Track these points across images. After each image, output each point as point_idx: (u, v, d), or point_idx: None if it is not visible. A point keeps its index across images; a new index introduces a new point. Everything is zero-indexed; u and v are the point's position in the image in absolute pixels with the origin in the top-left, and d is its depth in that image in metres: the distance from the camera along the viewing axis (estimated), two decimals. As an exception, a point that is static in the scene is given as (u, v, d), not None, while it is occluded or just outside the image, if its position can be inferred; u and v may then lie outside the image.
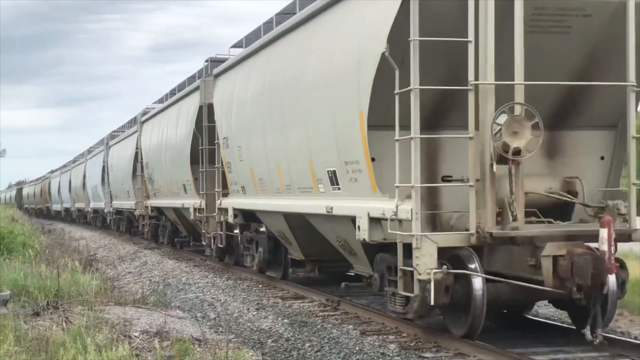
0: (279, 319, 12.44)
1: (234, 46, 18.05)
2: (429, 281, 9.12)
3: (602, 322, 9.22)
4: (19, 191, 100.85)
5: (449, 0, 9.23)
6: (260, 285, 16.15)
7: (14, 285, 12.95)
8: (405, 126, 9.32)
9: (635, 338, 10.66)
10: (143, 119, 28.10)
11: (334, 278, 15.32)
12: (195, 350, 9.37)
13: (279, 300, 14.18)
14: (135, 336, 10.18)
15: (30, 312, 11.35)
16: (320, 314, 12.67)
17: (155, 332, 10.50)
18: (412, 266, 9.24)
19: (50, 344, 9.02)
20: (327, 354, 9.94)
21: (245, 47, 16.58)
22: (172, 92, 24.66)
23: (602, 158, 10.80)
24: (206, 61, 19.91)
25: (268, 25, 15.49)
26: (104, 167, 37.88)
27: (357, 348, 9.94)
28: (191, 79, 21.93)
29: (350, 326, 11.33)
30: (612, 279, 9.45)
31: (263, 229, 16.58)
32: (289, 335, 11.20)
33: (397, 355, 9.40)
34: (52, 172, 69.76)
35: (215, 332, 11.69)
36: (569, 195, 10.24)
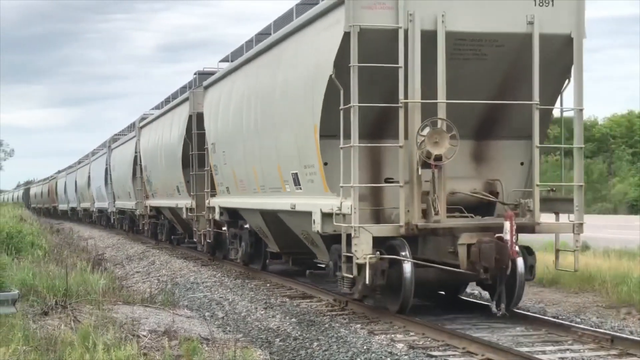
0: (287, 318, 12.54)
1: (222, 60, 20.05)
2: (365, 265, 11.03)
3: (505, 298, 11.13)
4: (26, 191, 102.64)
5: (383, 32, 11.15)
6: (268, 285, 16.52)
7: (22, 285, 12.90)
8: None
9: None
10: (141, 124, 30.09)
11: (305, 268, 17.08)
12: (204, 350, 9.41)
13: (287, 299, 14.42)
14: (144, 335, 10.24)
15: (38, 312, 11.34)
16: (328, 313, 12.79)
17: (164, 332, 10.57)
18: (352, 252, 11.16)
19: (59, 343, 9.05)
20: (335, 353, 10.04)
21: (231, 61, 18.56)
22: (167, 101, 26.65)
23: (522, 164, 12.70)
24: (195, 74, 21.89)
25: (249, 43, 17.43)
26: (106, 168, 39.79)
27: (364, 347, 10.09)
28: (183, 90, 23.92)
29: (358, 325, 11.50)
30: (520, 263, 11.42)
31: (247, 225, 18.51)
32: (296, 335, 11.27)
33: (405, 355, 9.62)
34: (58, 172, 71.59)
35: (224, 331, 11.75)
36: (489, 195, 12.15)
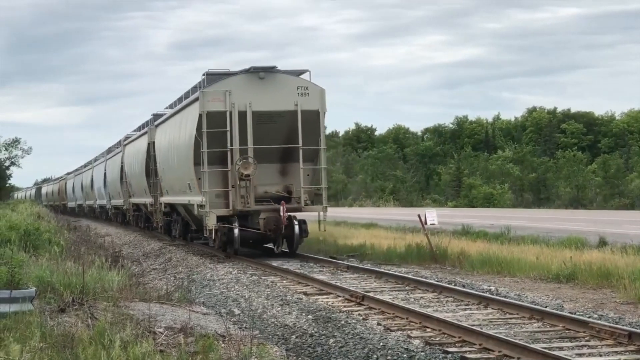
0: (303, 314, 12.67)
1: (167, 107, 30.97)
2: (212, 230, 21.88)
3: (289, 247, 21.98)
4: (38, 190, 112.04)
5: (219, 113, 21.93)
6: (284, 281, 17.38)
7: (39, 282, 12.91)
8: (209, 164, 22.00)
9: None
10: (125, 142, 41.13)
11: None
12: (220, 346, 9.41)
13: (303, 295, 14.76)
14: (160, 332, 10.30)
15: (55, 309, 11.35)
16: (345, 309, 13.03)
17: (180, 328, 10.63)
18: (206, 224, 22.03)
19: (76, 340, 9.00)
20: (352, 349, 10.07)
21: (171, 107, 29.49)
22: (139, 129, 37.62)
23: (308, 175, 23.40)
24: (152, 115, 32.84)
25: (176, 100, 28.26)
26: (105, 174, 50.54)
27: (381, 344, 10.10)
28: (145, 124, 34.90)
29: (374, 322, 11.75)
30: (296, 228, 22.20)
31: (182, 214, 29.37)
32: (313, 331, 11.38)
33: (422, 351, 9.64)
34: (67, 174, 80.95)
35: (240, 328, 11.84)
36: (285, 193, 22.92)
